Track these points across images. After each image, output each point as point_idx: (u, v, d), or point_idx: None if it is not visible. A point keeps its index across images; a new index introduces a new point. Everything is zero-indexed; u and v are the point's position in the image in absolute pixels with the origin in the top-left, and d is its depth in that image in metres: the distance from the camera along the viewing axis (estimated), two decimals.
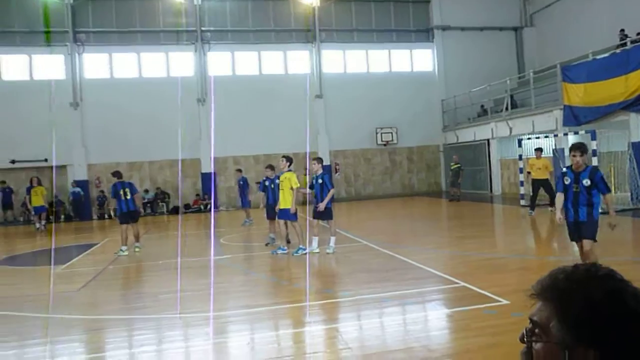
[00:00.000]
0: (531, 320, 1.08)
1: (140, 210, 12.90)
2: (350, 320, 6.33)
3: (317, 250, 10.62)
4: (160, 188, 24.59)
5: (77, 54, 23.97)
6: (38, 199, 18.87)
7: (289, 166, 10.83)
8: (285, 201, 10.58)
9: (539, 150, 15.92)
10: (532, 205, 15.52)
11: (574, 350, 1.01)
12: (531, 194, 15.72)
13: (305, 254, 10.29)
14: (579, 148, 6.57)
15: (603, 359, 0.99)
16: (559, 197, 6.81)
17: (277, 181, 11.42)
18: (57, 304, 7.28)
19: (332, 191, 10.56)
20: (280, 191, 10.74)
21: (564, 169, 6.88)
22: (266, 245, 12.17)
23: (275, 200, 11.34)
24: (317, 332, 5.81)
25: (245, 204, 17.20)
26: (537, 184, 15.42)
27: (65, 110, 23.29)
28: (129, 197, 12.14)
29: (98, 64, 24.37)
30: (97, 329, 6.34)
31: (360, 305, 6.77)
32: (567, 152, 18.39)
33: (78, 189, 23.20)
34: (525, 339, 1.08)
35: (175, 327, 6.31)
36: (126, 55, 24.60)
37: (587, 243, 6.57)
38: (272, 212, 11.59)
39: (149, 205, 23.92)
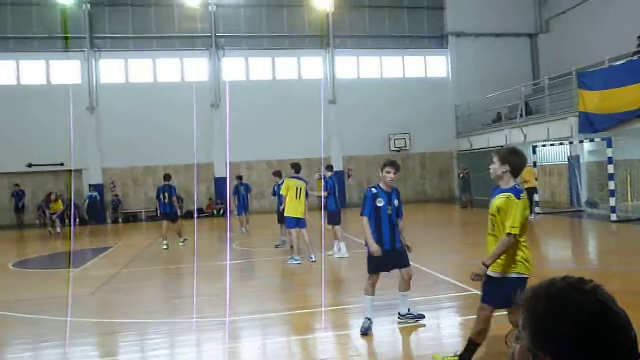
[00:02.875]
0: (517, 325, 1.16)
1: (177, 212, 14.08)
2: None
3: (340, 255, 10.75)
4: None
5: (93, 60, 24.30)
6: (56, 207, 19.20)
7: (295, 173, 10.70)
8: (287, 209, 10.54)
9: None
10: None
11: (536, 355, 1.08)
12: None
13: (299, 264, 10.19)
14: (393, 165, 5.80)
15: None
16: (367, 222, 5.73)
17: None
18: (71, 308, 7.36)
19: (323, 194, 10.69)
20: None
21: (374, 190, 5.82)
22: (276, 247, 12.54)
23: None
24: (328, 338, 5.81)
25: (244, 211, 16.45)
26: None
27: (82, 114, 23.59)
28: (167, 200, 13.62)
29: (114, 70, 24.68)
30: (110, 333, 6.40)
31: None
32: (582, 160, 18.33)
33: (95, 194, 23.48)
34: (506, 341, 1.15)
35: (188, 332, 6.35)
36: (142, 61, 24.88)
37: (410, 270, 5.97)
38: (282, 216, 11.83)
39: None
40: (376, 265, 5.78)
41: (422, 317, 6.03)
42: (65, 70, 24.10)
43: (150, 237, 16.92)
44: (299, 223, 10.43)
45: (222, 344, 5.79)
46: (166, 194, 13.69)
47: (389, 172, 5.73)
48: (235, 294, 8.05)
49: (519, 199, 4.10)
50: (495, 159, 4.28)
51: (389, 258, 5.73)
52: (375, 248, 5.63)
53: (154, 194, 24.21)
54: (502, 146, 23.28)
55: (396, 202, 5.81)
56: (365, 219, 5.73)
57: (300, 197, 10.35)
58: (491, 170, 4.33)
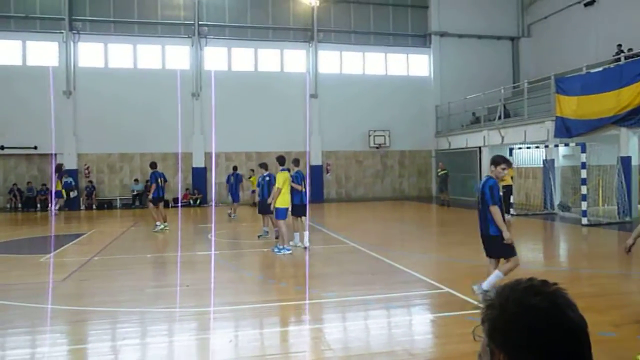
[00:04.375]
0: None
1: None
2: (334, 321, 6.35)
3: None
4: (149, 181, 24.47)
5: (72, 42, 23.79)
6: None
7: (280, 165, 11.16)
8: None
9: None
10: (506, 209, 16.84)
11: (492, 351, 1.12)
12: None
13: (286, 253, 10.45)
14: (507, 162, 6.50)
15: None
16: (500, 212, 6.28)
17: (267, 179, 11.98)
18: (40, 294, 7.23)
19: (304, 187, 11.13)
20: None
21: (492, 181, 6.36)
22: (258, 237, 12.66)
23: (265, 197, 11.83)
24: (300, 332, 5.82)
25: (238, 199, 18.62)
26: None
27: (58, 98, 23.12)
28: (162, 184, 14.81)
29: (93, 53, 24.20)
30: (80, 320, 6.31)
31: (345, 306, 6.79)
32: (557, 163, 18.68)
33: (70, 179, 23.08)
34: (474, 336, 1.21)
35: (160, 321, 6.29)
36: (122, 46, 24.45)
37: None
38: (264, 208, 11.98)
39: (137, 197, 23.79)
40: (513, 249, 6.36)
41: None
42: (42, 52, 23.56)
43: (124, 225, 16.71)
44: (286, 213, 10.89)
45: (194, 334, 5.76)
46: (161, 179, 14.81)
47: (504, 169, 6.37)
48: (210, 285, 8.00)
49: None
50: None
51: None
52: (509, 235, 6.23)
53: (129, 181, 24.05)
54: (479, 147, 23.62)
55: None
56: (498, 208, 6.21)
57: (287, 189, 10.88)
58: None
